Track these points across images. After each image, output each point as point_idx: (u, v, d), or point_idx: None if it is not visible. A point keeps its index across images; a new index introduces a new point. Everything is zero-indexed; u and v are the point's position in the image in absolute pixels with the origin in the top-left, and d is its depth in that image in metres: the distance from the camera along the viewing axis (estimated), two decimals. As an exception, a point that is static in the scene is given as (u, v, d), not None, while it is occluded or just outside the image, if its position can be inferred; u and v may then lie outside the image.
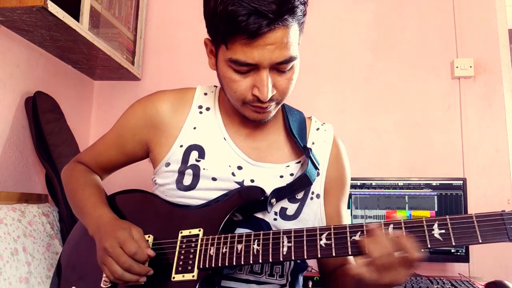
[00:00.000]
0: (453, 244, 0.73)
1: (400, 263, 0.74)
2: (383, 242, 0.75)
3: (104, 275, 0.97)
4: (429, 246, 0.74)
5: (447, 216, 0.75)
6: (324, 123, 1.14)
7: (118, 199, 1.09)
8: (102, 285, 0.96)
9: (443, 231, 0.75)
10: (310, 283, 1.66)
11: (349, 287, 0.91)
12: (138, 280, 0.88)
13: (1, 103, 1.65)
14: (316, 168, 1.03)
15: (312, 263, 1.95)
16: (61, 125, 1.84)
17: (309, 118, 1.15)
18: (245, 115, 0.99)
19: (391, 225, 0.78)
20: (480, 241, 0.72)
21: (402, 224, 0.77)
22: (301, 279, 1.09)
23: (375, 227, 0.78)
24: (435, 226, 0.75)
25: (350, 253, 0.79)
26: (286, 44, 0.87)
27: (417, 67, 2.12)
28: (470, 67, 2.04)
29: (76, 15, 1.69)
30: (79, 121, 2.18)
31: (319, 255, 0.80)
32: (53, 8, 1.51)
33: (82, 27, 1.71)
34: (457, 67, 2.05)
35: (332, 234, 0.81)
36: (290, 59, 0.89)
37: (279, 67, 0.90)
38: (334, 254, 0.80)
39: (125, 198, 1.10)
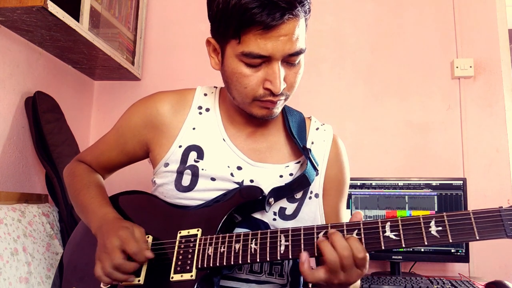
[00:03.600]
0: (450, 241, 0.73)
1: (349, 264, 0.77)
2: (334, 245, 0.78)
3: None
4: (426, 243, 0.74)
5: (444, 213, 0.75)
6: (323, 124, 1.14)
7: (119, 200, 1.10)
8: (102, 285, 0.96)
9: (440, 228, 0.74)
10: (310, 283, 1.65)
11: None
12: (127, 280, 0.90)
13: (1, 103, 1.65)
14: (315, 168, 1.03)
15: (313, 263, 1.96)
16: (61, 125, 1.84)
17: (309, 118, 1.15)
18: (252, 113, 0.97)
19: (388, 223, 0.77)
20: (478, 237, 0.71)
21: (399, 221, 0.77)
22: (302, 279, 1.09)
23: (332, 232, 0.80)
24: (432, 223, 0.75)
25: None
26: (297, 35, 0.89)
27: (417, 67, 2.12)
28: (470, 67, 2.04)
29: (76, 15, 1.69)
30: (79, 121, 2.18)
31: (316, 254, 0.80)
32: (53, 8, 1.51)
33: (82, 27, 1.71)
34: (457, 67, 2.05)
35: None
36: (301, 51, 0.91)
37: (290, 59, 0.91)
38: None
39: (125, 199, 1.10)
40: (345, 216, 1.13)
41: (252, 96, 0.93)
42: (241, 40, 0.88)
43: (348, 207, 1.86)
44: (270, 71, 0.90)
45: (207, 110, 1.08)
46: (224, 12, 0.88)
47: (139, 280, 0.92)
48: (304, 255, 0.80)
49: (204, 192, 1.00)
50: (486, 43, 2.08)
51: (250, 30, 0.86)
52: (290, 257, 0.83)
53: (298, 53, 0.91)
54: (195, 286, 0.87)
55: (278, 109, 0.98)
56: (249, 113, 0.98)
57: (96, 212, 1.02)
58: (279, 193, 0.99)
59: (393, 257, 1.80)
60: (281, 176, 1.02)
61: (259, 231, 0.87)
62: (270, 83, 0.90)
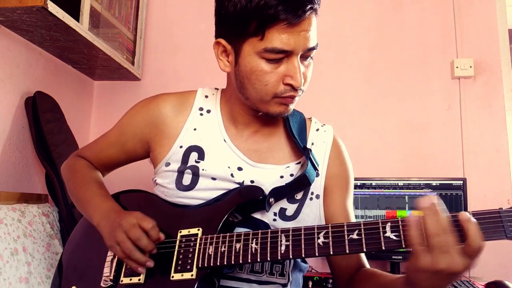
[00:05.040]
0: None
1: (458, 247, 0.68)
2: (440, 218, 0.69)
3: (104, 273, 0.97)
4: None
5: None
6: (324, 124, 1.14)
7: (120, 199, 1.10)
8: (102, 284, 0.97)
9: None
10: (310, 283, 1.66)
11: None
12: (145, 264, 0.89)
13: (1, 103, 1.65)
14: (315, 168, 1.03)
15: (312, 263, 1.96)
16: (61, 125, 1.84)
17: (309, 119, 1.15)
18: (268, 112, 0.97)
19: (388, 223, 0.77)
20: None
21: (400, 222, 0.76)
22: (301, 279, 1.09)
23: (427, 206, 0.70)
24: None
25: (347, 251, 0.78)
26: (314, 30, 0.93)
27: (417, 67, 2.12)
28: (470, 67, 2.04)
29: (76, 15, 1.69)
30: (79, 121, 2.18)
31: (316, 254, 0.80)
32: (53, 8, 1.52)
33: (82, 27, 1.71)
34: (457, 67, 2.05)
35: (330, 233, 0.81)
36: (317, 46, 0.96)
37: (307, 54, 0.94)
38: (331, 253, 0.79)
39: (126, 197, 1.11)
40: (353, 213, 1.11)
41: (272, 93, 0.93)
42: (265, 36, 0.88)
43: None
44: (290, 66, 0.91)
45: (208, 111, 1.08)
46: (244, 11, 0.88)
47: (139, 279, 0.92)
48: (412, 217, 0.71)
49: (205, 191, 1.00)
50: (486, 43, 2.09)
51: (274, 26, 0.87)
52: (291, 257, 0.83)
53: (315, 47, 0.95)
54: (196, 286, 0.87)
55: (293, 106, 0.99)
56: (265, 112, 0.98)
57: (100, 205, 1.02)
58: (279, 193, 0.99)
59: (393, 257, 1.80)
60: (281, 177, 1.02)
61: (260, 231, 0.87)
62: (290, 78, 0.91)
